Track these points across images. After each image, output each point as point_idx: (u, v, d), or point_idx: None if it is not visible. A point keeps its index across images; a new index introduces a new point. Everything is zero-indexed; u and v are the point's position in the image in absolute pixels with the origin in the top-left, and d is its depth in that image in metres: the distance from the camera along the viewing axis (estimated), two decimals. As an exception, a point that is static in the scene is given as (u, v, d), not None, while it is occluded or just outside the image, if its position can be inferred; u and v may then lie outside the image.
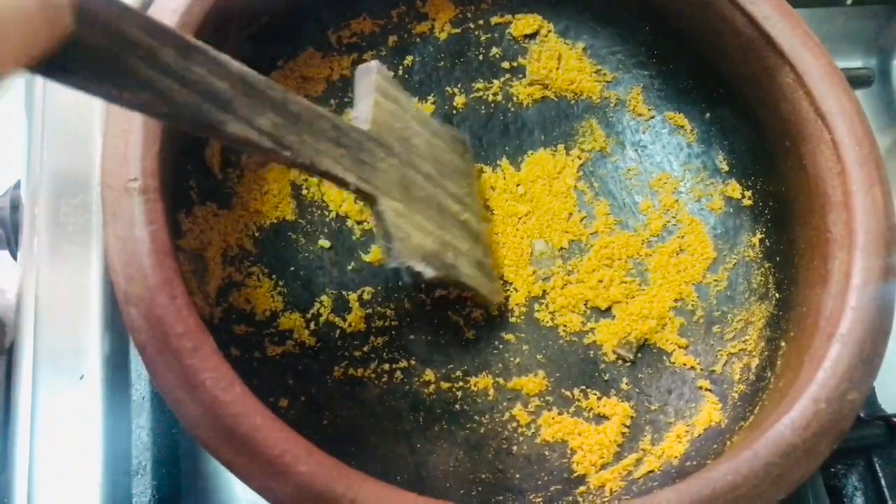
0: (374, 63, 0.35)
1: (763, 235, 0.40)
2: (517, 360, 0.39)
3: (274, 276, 0.37)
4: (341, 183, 0.30)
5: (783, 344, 0.36)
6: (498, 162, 0.43)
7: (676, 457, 0.35)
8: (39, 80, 0.44)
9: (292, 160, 0.28)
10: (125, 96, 0.22)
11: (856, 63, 0.57)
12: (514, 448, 0.36)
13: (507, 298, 0.40)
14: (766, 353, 0.37)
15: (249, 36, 0.37)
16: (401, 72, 0.42)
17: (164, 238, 0.28)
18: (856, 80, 0.49)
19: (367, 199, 0.32)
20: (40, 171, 0.42)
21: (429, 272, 0.34)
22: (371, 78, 0.34)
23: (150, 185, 0.28)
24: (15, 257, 0.45)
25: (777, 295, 0.38)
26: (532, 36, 0.43)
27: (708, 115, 0.42)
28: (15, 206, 0.46)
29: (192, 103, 0.24)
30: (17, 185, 0.47)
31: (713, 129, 0.42)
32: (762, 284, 0.39)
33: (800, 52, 0.36)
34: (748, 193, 0.41)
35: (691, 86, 0.42)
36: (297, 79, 0.40)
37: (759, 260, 0.40)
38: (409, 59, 0.42)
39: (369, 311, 0.38)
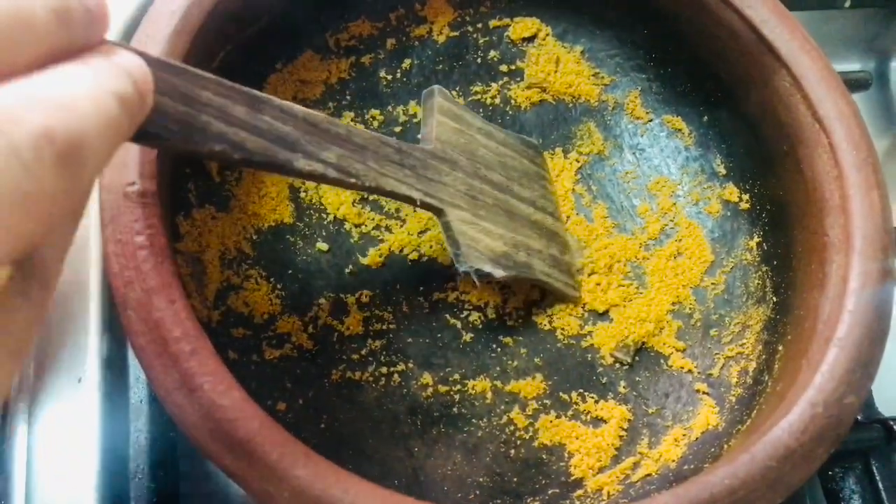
0: (436, 87, 0.37)
1: (760, 239, 0.40)
2: (515, 363, 0.39)
3: (272, 280, 0.37)
4: (408, 200, 0.33)
5: (780, 347, 0.36)
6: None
7: (674, 460, 0.35)
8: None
9: (360, 186, 0.30)
10: (204, 150, 0.25)
11: (853, 66, 0.57)
12: (512, 452, 0.36)
13: (505, 301, 0.40)
14: (764, 356, 0.37)
15: (248, 38, 0.37)
16: (399, 74, 0.42)
17: (163, 242, 0.28)
18: (853, 84, 0.49)
19: (434, 211, 0.34)
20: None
21: (499, 272, 0.36)
22: (433, 101, 0.37)
23: (148, 189, 0.28)
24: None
25: (774, 298, 0.38)
26: (530, 39, 0.43)
27: (706, 118, 0.42)
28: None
29: (263, 148, 0.26)
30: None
31: (711, 133, 0.42)
32: (759, 288, 0.39)
33: (797, 56, 0.36)
34: (746, 197, 0.41)
35: (689, 89, 0.42)
36: (295, 81, 0.40)
37: (756, 263, 0.40)
38: (407, 62, 0.42)
39: (367, 314, 0.39)
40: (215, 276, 0.35)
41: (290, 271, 0.38)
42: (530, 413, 0.38)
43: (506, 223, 0.38)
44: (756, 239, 0.40)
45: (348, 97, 0.42)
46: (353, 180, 0.30)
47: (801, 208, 0.36)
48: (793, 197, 0.37)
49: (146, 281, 0.27)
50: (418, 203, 0.33)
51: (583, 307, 0.41)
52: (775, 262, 0.39)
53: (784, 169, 0.38)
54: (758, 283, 0.39)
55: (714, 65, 0.40)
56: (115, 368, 0.38)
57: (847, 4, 0.56)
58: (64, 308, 0.39)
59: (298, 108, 0.28)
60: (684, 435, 0.37)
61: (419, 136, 0.36)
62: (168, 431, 0.38)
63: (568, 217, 0.42)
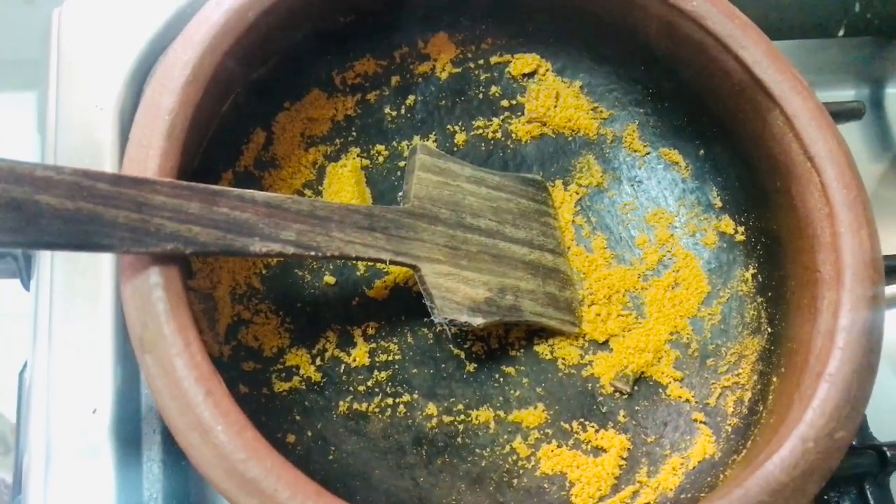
0: (419, 144, 0.39)
1: (756, 271, 0.41)
2: (517, 392, 0.40)
3: (281, 313, 0.38)
4: (377, 261, 0.34)
5: (775, 379, 0.37)
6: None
7: (671, 489, 0.36)
8: (52, 104, 0.45)
9: (320, 257, 0.32)
10: (156, 251, 0.27)
11: (848, 93, 0.59)
12: (515, 481, 0.37)
13: (507, 331, 0.41)
14: (759, 386, 0.38)
15: (257, 79, 0.38)
16: (403, 110, 0.44)
17: (178, 285, 0.29)
18: (847, 114, 0.50)
19: (408, 266, 0.36)
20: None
21: (477, 320, 0.37)
22: (414, 158, 0.39)
23: (163, 235, 0.29)
24: (26, 287, 0.47)
25: (769, 329, 0.39)
26: (530, 75, 0.45)
27: (702, 151, 0.43)
28: (26, 239, 0.47)
29: (216, 240, 0.29)
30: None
31: (707, 166, 0.43)
32: (755, 319, 0.40)
33: (789, 96, 0.37)
34: (741, 229, 0.42)
35: (686, 123, 0.43)
36: (303, 119, 0.41)
37: (751, 294, 0.41)
38: (411, 99, 0.44)
39: (373, 345, 0.40)
40: (226, 312, 0.36)
41: (298, 304, 0.39)
42: (532, 442, 0.39)
43: (491, 268, 0.38)
44: (751, 271, 0.41)
45: (354, 133, 0.43)
46: (312, 253, 0.31)
47: (794, 243, 0.38)
48: (786, 231, 0.38)
49: (163, 325, 0.28)
50: (388, 263, 0.35)
51: (583, 337, 0.42)
52: (770, 294, 0.40)
53: (777, 204, 0.39)
54: (753, 314, 0.40)
55: (709, 102, 0.41)
56: (128, 398, 0.39)
57: (841, 33, 0.57)
58: (78, 338, 0.40)
59: (259, 194, 0.30)
60: (682, 464, 0.38)
61: (399, 194, 0.38)
62: (180, 460, 0.39)
63: (568, 248, 0.43)
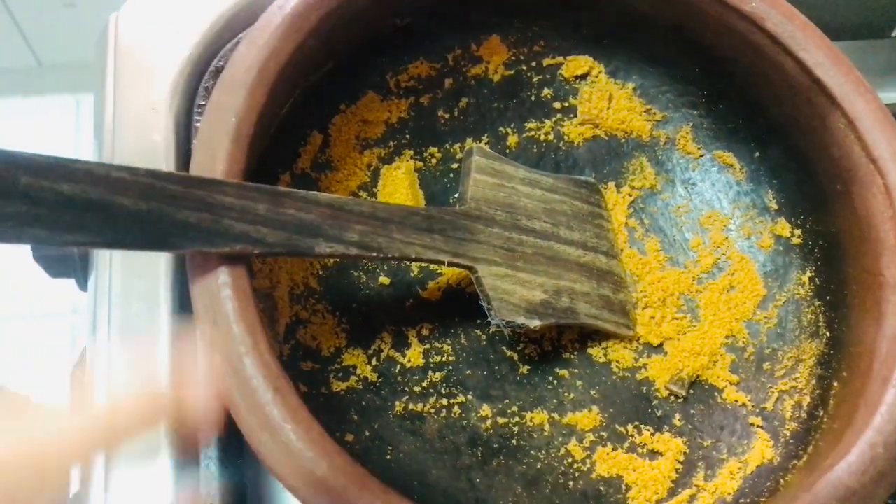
0: (475, 146, 0.39)
1: (813, 274, 0.40)
2: (571, 395, 0.40)
3: (337, 314, 0.39)
4: (436, 262, 0.34)
5: (835, 384, 0.36)
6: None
7: (730, 493, 0.36)
8: (109, 106, 0.46)
9: (382, 258, 0.32)
10: (224, 250, 0.28)
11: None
12: (571, 483, 0.37)
13: (560, 333, 0.41)
14: (818, 391, 0.38)
15: (314, 83, 0.39)
16: (456, 113, 0.44)
17: (246, 285, 0.29)
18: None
19: (466, 269, 0.36)
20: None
21: (534, 322, 0.37)
22: (470, 160, 0.39)
23: (231, 236, 0.30)
24: (82, 287, 0.47)
25: (828, 333, 0.39)
26: (583, 77, 0.45)
27: (757, 154, 0.43)
28: (82, 238, 0.48)
29: (283, 240, 0.29)
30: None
31: (762, 169, 0.43)
32: (812, 322, 0.40)
33: (852, 98, 0.36)
34: (798, 232, 0.41)
35: (740, 125, 0.43)
36: (358, 122, 0.42)
37: (809, 298, 0.40)
38: (464, 101, 0.44)
39: (427, 346, 0.40)
40: (285, 312, 0.37)
41: (354, 305, 0.40)
42: (587, 445, 0.39)
43: (547, 270, 0.38)
44: (809, 274, 0.40)
45: (408, 136, 0.43)
46: (374, 254, 0.31)
47: (855, 246, 0.37)
48: (846, 235, 0.38)
49: (232, 325, 0.28)
50: (446, 264, 0.35)
51: (637, 340, 0.41)
52: (828, 298, 0.39)
53: (837, 207, 0.38)
54: (811, 318, 0.40)
55: (766, 103, 0.40)
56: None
57: (894, 34, 0.56)
58: (136, 338, 0.41)
59: (323, 195, 0.31)
60: (740, 468, 0.37)
61: (454, 196, 0.37)
62: (237, 459, 0.40)
63: (621, 250, 0.43)
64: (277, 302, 0.37)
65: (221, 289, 0.29)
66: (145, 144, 0.45)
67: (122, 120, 0.46)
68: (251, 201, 0.29)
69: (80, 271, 0.48)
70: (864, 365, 0.34)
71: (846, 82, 0.37)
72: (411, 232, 0.33)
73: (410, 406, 0.38)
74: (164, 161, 0.44)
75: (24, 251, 0.51)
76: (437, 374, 0.39)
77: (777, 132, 0.41)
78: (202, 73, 0.46)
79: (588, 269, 0.40)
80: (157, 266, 0.42)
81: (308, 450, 0.27)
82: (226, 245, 0.28)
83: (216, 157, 0.31)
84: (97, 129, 0.47)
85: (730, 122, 0.43)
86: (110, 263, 0.42)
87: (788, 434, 0.38)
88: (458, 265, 0.35)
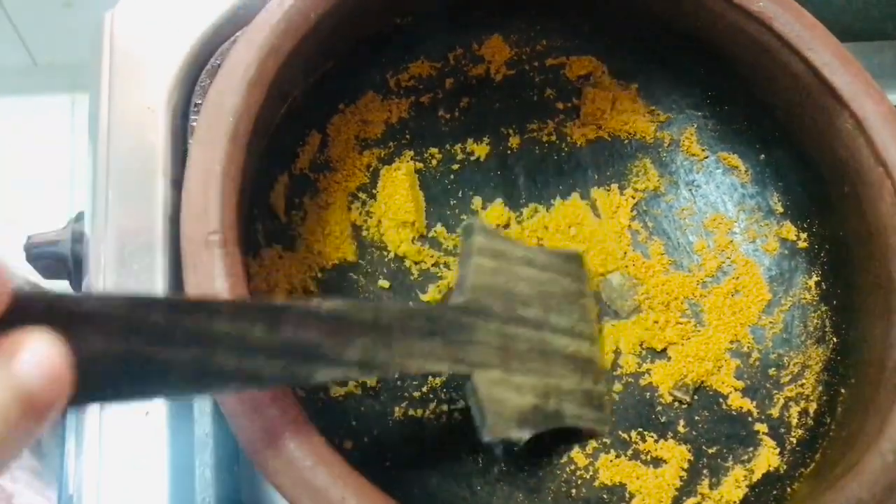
0: (475, 222, 0.36)
1: (819, 278, 0.40)
2: (574, 401, 0.39)
3: (336, 318, 0.38)
4: (436, 373, 0.32)
5: (843, 390, 0.36)
6: (552, 201, 0.44)
7: (735, 502, 0.36)
8: (104, 106, 0.45)
9: (382, 377, 0.29)
10: (213, 392, 0.24)
11: (905, 96, 0.57)
12: (574, 491, 0.37)
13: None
14: (825, 397, 0.37)
15: (314, 82, 0.38)
16: (457, 113, 0.43)
17: (243, 290, 0.29)
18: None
19: (462, 377, 0.33)
20: (105, 208, 0.43)
21: (525, 434, 0.34)
22: (472, 241, 0.35)
23: (229, 238, 0.29)
24: (76, 289, 0.47)
25: (835, 339, 0.38)
26: (586, 77, 0.44)
27: (762, 156, 0.42)
28: (77, 239, 0.47)
29: (280, 372, 0.25)
30: (79, 217, 0.48)
31: (768, 171, 0.42)
32: (819, 328, 0.39)
33: (860, 99, 0.36)
34: (804, 235, 0.41)
35: (746, 127, 0.42)
36: (357, 122, 0.41)
37: (815, 303, 0.40)
38: (465, 101, 0.43)
39: (427, 351, 0.39)
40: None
41: (352, 309, 0.39)
42: (590, 452, 0.38)
43: (538, 367, 0.36)
44: (815, 278, 0.40)
45: (408, 136, 0.42)
46: (375, 374, 0.28)
47: (863, 250, 0.36)
48: (854, 238, 0.37)
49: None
50: (446, 375, 0.32)
51: (641, 344, 0.41)
52: (835, 303, 0.39)
53: (844, 210, 0.38)
54: (817, 323, 0.39)
55: (773, 105, 0.40)
56: (181, 402, 0.39)
57: (900, 35, 0.55)
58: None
59: (325, 305, 0.26)
60: (745, 476, 0.37)
61: (454, 285, 0.35)
62: (232, 465, 0.39)
63: (625, 253, 0.43)
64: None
65: (219, 296, 0.28)
66: (141, 144, 0.44)
67: (117, 120, 0.45)
68: (247, 324, 0.24)
69: (73, 273, 0.48)
70: (874, 372, 0.34)
71: (855, 83, 0.36)
72: (413, 340, 0.30)
73: (410, 412, 0.37)
74: (160, 161, 0.44)
75: (17, 250, 0.51)
76: (437, 379, 0.38)
77: (783, 134, 0.40)
78: (199, 72, 0.45)
79: (574, 361, 0.38)
80: (153, 269, 0.41)
81: (307, 458, 0.27)
82: (215, 388, 0.24)
83: (214, 157, 0.30)
84: (92, 129, 0.46)
85: (735, 124, 0.43)
86: (104, 268, 0.41)
87: (795, 441, 0.37)
88: (456, 374, 0.33)
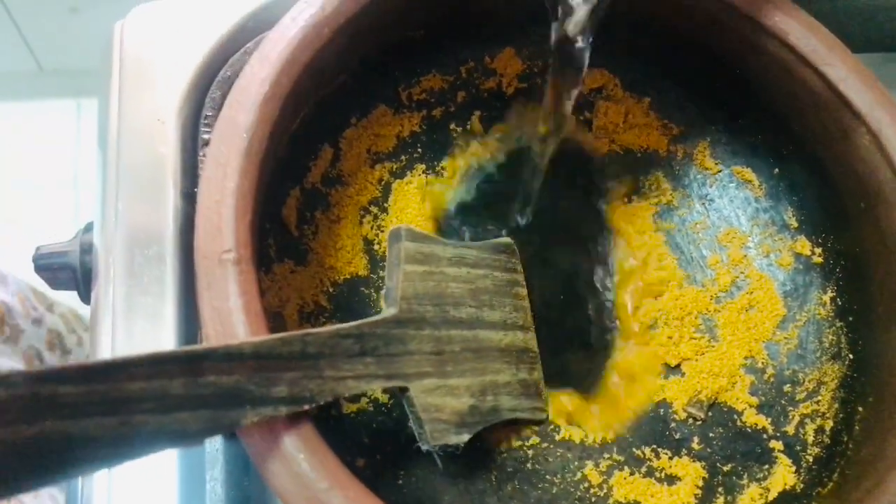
0: (402, 228, 0.35)
1: (835, 294, 0.39)
2: (587, 417, 0.39)
3: (348, 333, 0.38)
4: (370, 390, 0.31)
5: (860, 408, 0.36)
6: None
7: (751, 521, 0.35)
8: (114, 117, 0.45)
9: (314, 406, 0.27)
10: (132, 459, 0.22)
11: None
12: (588, 509, 0.36)
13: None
14: (842, 415, 0.37)
15: (326, 96, 0.38)
16: (468, 127, 0.43)
17: (257, 308, 0.29)
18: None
19: (399, 389, 0.32)
20: (115, 219, 0.43)
21: (463, 437, 0.34)
22: (399, 247, 0.35)
23: (243, 256, 0.29)
24: (85, 300, 0.46)
25: (851, 356, 0.38)
26: (598, 90, 0.44)
27: (776, 170, 0.42)
28: (86, 250, 0.47)
29: (205, 423, 0.24)
30: (88, 228, 0.48)
31: (782, 185, 0.42)
32: (834, 344, 0.39)
33: (877, 113, 0.35)
34: (818, 251, 0.40)
35: (760, 141, 0.42)
36: (369, 136, 0.41)
37: (830, 318, 0.39)
38: (477, 114, 0.43)
39: (439, 366, 0.39)
40: (294, 331, 0.36)
41: (364, 324, 0.38)
42: (604, 469, 0.38)
43: (473, 367, 0.36)
44: (830, 294, 0.40)
45: (420, 150, 0.42)
46: (306, 406, 0.27)
47: (879, 266, 0.36)
48: (870, 254, 0.37)
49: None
50: (379, 389, 0.32)
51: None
52: (851, 319, 0.38)
53: (860, 225, 0.37)
54: (832, 339, 0.39)
55: (787, 119, 0.39)
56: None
57: (911, 46, 0.55)
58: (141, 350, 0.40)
59: (246, 345, 0.26)
60: (761, 495, 0.36)
61: (383, 291, 0.34)
62: (242, 481, 0.39)
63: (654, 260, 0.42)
64: (286, 321, 0.36)
65: (233, 313, 0.28)
66: (151, 156, 0.44)
67: (127, 131, 0.45)
68: (166, 379, 0.23)
69: (82, 284, 0.47)
70: (892, 389, 0.33)
71: (871, 97, 0.36)
72: (343, 363, 0.29)
73: (423, 428, 0.37)
74: (170, 173, 0.43)
75: (22, 254, 0.50)
76: (450, 395, 0.38)
77: (798, 148, 0.40)
78: (209, 83, 0.45)
79: (508, 353, 0.38)
80: (163, 281, 0.41)
81: (322, 480, 0.26)
82: (138, 453, 0.23)
83: (227, 174, 0.30)
84: (101, 140, 0.46)
85: (749, 138, 0.42)
86: (112, 279, 0.41)
87: (811, 459, 0.37)
88: (391, 387, 0.32)
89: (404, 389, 0.32)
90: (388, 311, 0.33)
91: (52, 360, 0.75)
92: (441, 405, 0.33)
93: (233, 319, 0.28)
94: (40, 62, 1.23)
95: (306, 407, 0.27)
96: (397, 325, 0.32)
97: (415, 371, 0.32)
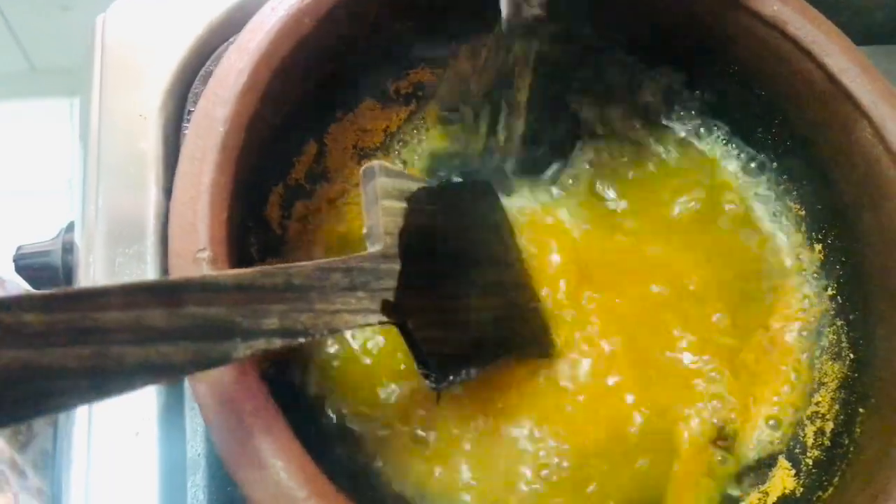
0: (375, 164, 0.33)
1: (835, 291, 0.38)
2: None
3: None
4: (366, 326, 0.30)
5: (861, 410, 0.34)
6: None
7: (750, 527, 0.34)
8: (95, 112, 0.44)
9: (312, 339, 0.26)
10: (120, 394, 0.21)
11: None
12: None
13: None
14: (842, 416, 0.36)
15: (311, 89, 0.37)
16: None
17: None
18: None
19: (397, 325, 0.31)
20: (96, 218, 0.42)
21: (472, 374, 0.33)
22: (374, 183, 0.32)
23: (218, 255, 0.28)
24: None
25: (851, 355, 0.37)
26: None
27: (775, 164, 0.41)
28: (67, 249, 0.46)
29: (193, 356, 0.23)
30: (70, 228, 0.46)
31: (782, 179, 0.41)
32: (834, 343, 0.38)
33: (879, 107, 0.34)
34: (818, 247, 0.39)
35: (759, 134, 0.41)
36: (356, 130, 0.40)
37: (830, 317, 0.38)
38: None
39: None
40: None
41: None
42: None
43: (469, 303, 0.35)
44: (830, 291, 0.38)
45: (404, 139, 0.41)
46: (302, 338, 0.26)
47: (883, 263, 0.35)
48: (872, 251, 0.36)
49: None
50: (377, 325, 0.30)
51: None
52: (851, 317, 0.37)
53: (862, 221, 0.36)
54: (832, 339, 0.38)
55: (787, 112, 0.38)
56: (172, 421, 0.38)
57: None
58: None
59: (225, 276, 0.24)
60: (760, 499, 0.35)
61: (364, 231, 0.32)
62: (226, 486, 0.37)
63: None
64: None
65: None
66: (132, 152, 0.43)
67: (108, 127, 0.44)
68: (141, 309, 0.22)
69: (64, 284, 0.46)
70: (894, 391, 0.32)
71: (873, 90, 0.34)
72: (334, 296, 0.27)
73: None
74: (152, 169, 0.42)
75: (6, 260, 0.49)
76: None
77: (797, 142, 0.39)
78: (192, 78, 0.44)
79: (503, 288, 0.37)
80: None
81: (300, 489, 0.25)
82: (121, 387, 0.21)
83: (202, 169, 0.29)
84: (83, 135, 0.45)
85: (747, 131, 0.41)
86: (94, 278, 0.40)
87: (811, 462, 0.35)
88: (389, 324, 0.30)
89: (403, 325, 0.31)
90: (373, 248, 0.31)
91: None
92: (442, 339, 0.32)
93: (207, 321, 0.27)
94: (32, 61, 1.22)
95: (301, 339, 0.26)
96: (385, 259, 0.31)
97: (410, 305, 0.31)
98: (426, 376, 0.32)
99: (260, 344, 0.24)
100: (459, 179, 0.40)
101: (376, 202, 0.32)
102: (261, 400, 0.26)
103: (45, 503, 0.54)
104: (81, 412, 0.38)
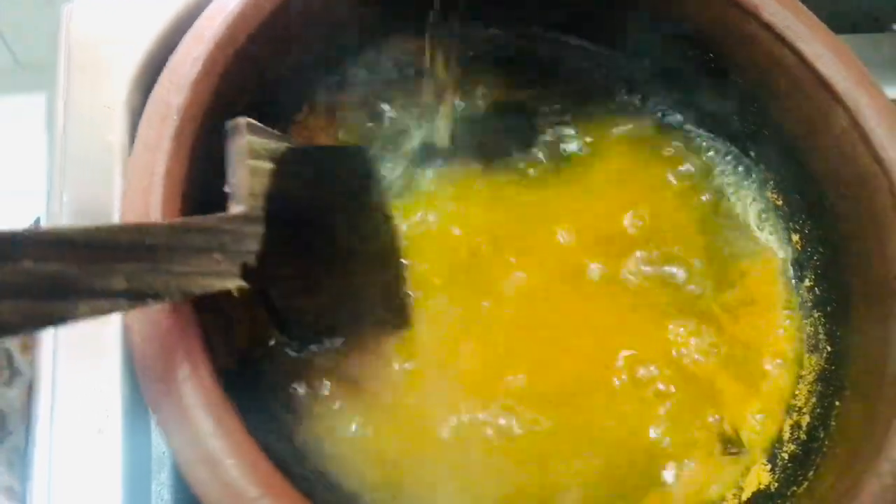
0: (242, 120, 0.30)
1: (812, 283, 0.38)
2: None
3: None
4: (224, 290, 0.28)
5: (838, 403, 0.34)
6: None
7: (724, 522, 0.34)
8: (61, 103, 0.43)
9: (164, 300, 0.25)
10: None
11: (898, 90, 0.55)
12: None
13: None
14: (818, 410, 0.35)
15: (276, 78, 0.36)
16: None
17: (187, 308, 0.27)
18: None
19: (258, 292, 0.30)
20: (60, 212, 0.41)
21: (335, 339, 0.34)
22: (241, 141, 0.30)
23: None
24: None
25: (829, 348, 0.36)
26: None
27: (752, 153, 0.40)
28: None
29: (26, 313, 0.21)
30: (37, 223, 0.46)
31: (758, 169, 0.40)
32: (811, 335, 0.37)
33: (855, 94, 0.34)
34: (795, 237, 0.39)
35: (735, 122, 0.40)
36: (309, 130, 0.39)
37: (807, 308, 0.38)
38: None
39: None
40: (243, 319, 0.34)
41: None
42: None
43: (334, 270, 0.34)
44: (807, 283, 0.38)
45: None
46: (151, 300, 0.24)
47: (859, 254, 0.34)
48: (849, 240, 0.35)
49: (169, 349, 0.25)
50: (235, 291, 0.28)
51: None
52: (829, 309, 0.37)
53: (838, 210, 0.35)
54: (809, 331, 0.37)
55: (763, 101, 0.38)
56: (136, 419, 0.37)
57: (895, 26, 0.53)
58: (83, 356, 0.38)
59: (73, 229, 0.23)
60: (734, 495, 0.35)
61: (225, 188, 0.30)
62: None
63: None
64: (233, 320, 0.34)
65: (160, 316, 0.26)
66: (99, 145, 0.42)
67: (73, 119, 0.43)
68: None
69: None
70: (873, 383, 0.31)
71: (850, 76, 0.34)
72: (189, 258, 0.26)
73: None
74: (118, 160, 0.41)
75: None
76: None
77: (773, 130, 0.38)
78: (159, 69, 0.43)
79: (370, 258, 0.37)
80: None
81: (253, 488, 0.25)
82: None
83: (156, 158, 0.28)
84: (49, 128, 0.44)
85: (721, 118, 0.40)
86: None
87: (787, 457, 0.35)
88: (248, 288, 0.29)
89: (262, 291, 0.30)
90: (236, 209, 0.29)
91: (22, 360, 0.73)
92: (304, 307, 0.32)
93: (159, 322, 0.26)
94: (16, 55, 1.20)
95: (151, 302, 0.24)
96: (247, 222, 0.29)
97: (271, 271, 0.30)
98: (288, 336, 0.32)
99: (104, 305, 0.23)
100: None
101: (242, 161, 0.30)
102: (213, 396, 0.25)
103: (14, 501, 0.53)
104: (44, 407, 0.37)
